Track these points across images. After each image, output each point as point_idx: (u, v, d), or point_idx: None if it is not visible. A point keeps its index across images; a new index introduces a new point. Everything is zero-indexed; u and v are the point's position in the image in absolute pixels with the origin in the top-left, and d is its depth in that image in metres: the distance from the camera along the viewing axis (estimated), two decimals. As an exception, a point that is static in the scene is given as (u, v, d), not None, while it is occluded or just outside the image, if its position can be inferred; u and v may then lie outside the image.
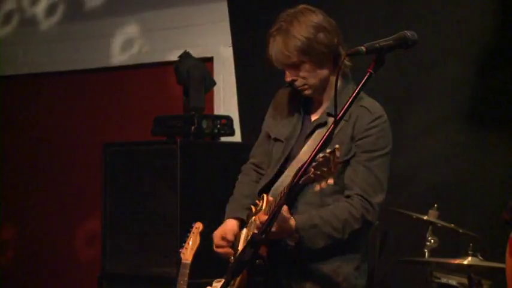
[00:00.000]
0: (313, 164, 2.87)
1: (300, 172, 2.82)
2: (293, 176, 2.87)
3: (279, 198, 3.20)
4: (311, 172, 2.88)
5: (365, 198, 3.31)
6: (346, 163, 3.34)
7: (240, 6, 6.01)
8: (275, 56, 3.37)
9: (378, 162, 3.37)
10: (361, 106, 3.35)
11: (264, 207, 3.33)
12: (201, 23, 6.41)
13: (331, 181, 2.87)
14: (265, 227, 2.89)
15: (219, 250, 3.49)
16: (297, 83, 3.42)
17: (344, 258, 3.38)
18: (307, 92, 3.44)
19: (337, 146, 2.89)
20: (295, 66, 3.38)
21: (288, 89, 3.58)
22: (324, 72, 3.42)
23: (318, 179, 2.88)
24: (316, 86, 3.43)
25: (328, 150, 2.87)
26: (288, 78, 3.41)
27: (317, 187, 2.91)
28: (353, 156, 3.35)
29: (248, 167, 3.70)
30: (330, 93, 3.44)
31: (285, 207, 3.16)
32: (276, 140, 3.54)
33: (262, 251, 3.28)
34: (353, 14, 5.44)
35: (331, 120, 3.35)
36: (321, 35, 3.35)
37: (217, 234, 3.51)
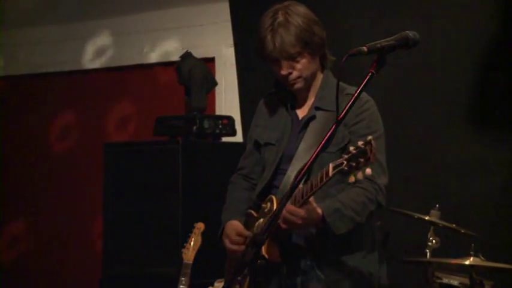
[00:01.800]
0: (346, 156, 2.92)
1: (303, 171, 2.82)
2: (295, 176, 2.88)
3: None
4: (344, 165, 2.92)
5: (372, 180, 3.32)
6: (342, 151, 3.36)
7: (242, 6, 6.01)
8: (279, 46, 3.37)
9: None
10: (347, 94, 3.37)
11: (274, 209, 3.33)
12: (203, 23, 6.42)
13: (369, 171, 2.90)
14: (267, 227, 2.89)
15: (235, 247, 3.45)
16: (293, 76, 3.44)
17: (352, 248, 3.39)
18: (298, 85, 3.46)
19: (370, 137, 2.93)
20: (295, 58, 3.41)
21: (270, 97, 3.61)
22: (316, 65, 3.47)
23: (352, 170, 2.92)
24: (308, 78, 3.46)
25: (361, 142, 2.92)
26: (285, 71, 3.42)
27: (351, 178, 2.93)
28: (348, 142, 3.36)
29: (237, 176, 3.72)
30: (315, 88, 3.49)
31: (311, 198, 3.18)
32: (267, 144, 3.55)
33: (274, 252, 3.28)
34: (353, 14, 5.44)
35: (319, 113, 3.39)
36: (316, 27, 3.41)
37: (230, 230, 3.49)
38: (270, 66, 3.47)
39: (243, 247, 3.43)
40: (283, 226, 3.21)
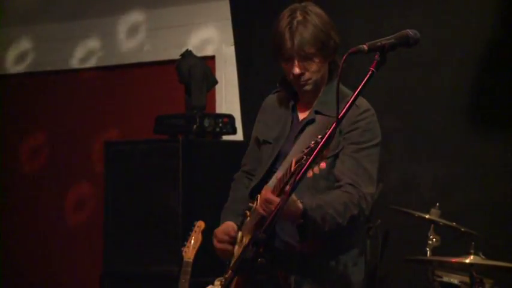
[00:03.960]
0: (305, 150, 2.92)
1: (303, 170, 2.82)
2: (295, 175, 2.87)
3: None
4: (303, 159, 2.92)
5: (356, 186, 3.32)
6: (336, 157, 3.36)
7: (242, 4, 6.01)
8: (298, 44, 3.34)
9: (365, 153, 3.38)
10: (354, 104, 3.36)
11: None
12: (203, 21, 6.42)
13: (323, 165, 2.90)
14: (267, 225, 2.89)
15: (221, 246, 3.48)
16: (305, 77, 3.42)
17: (341, 255, 3.39)
18: (308, 87, 3.45)
19: (327, 131, 2.92)
20: (309, 58, 3.38)
21: (275, 95, 3.61)
22: (325, 69, 3.46)
23: (311, 164, 2.91)
24: (318, 82, 3.46)
25: (319, 136, 2.91)
26: (298, 70, 3.40)
27: (309, 173, 2.92)
28: (341, 150, 3.36)
29: (240, 174, 3.72)
30: (319, 92, 3.48)
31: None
32: (265, 142, 3.55)
33: None
34: (352, 13, 5.44)
35: (318, 117, 3.38)
36: (333, 32, 3.40)
37: (219, 230, 3.51)
38: (282, 65, 3.45)
39: (229, 246, 3.45)
40: (262, 213, 3.21)
